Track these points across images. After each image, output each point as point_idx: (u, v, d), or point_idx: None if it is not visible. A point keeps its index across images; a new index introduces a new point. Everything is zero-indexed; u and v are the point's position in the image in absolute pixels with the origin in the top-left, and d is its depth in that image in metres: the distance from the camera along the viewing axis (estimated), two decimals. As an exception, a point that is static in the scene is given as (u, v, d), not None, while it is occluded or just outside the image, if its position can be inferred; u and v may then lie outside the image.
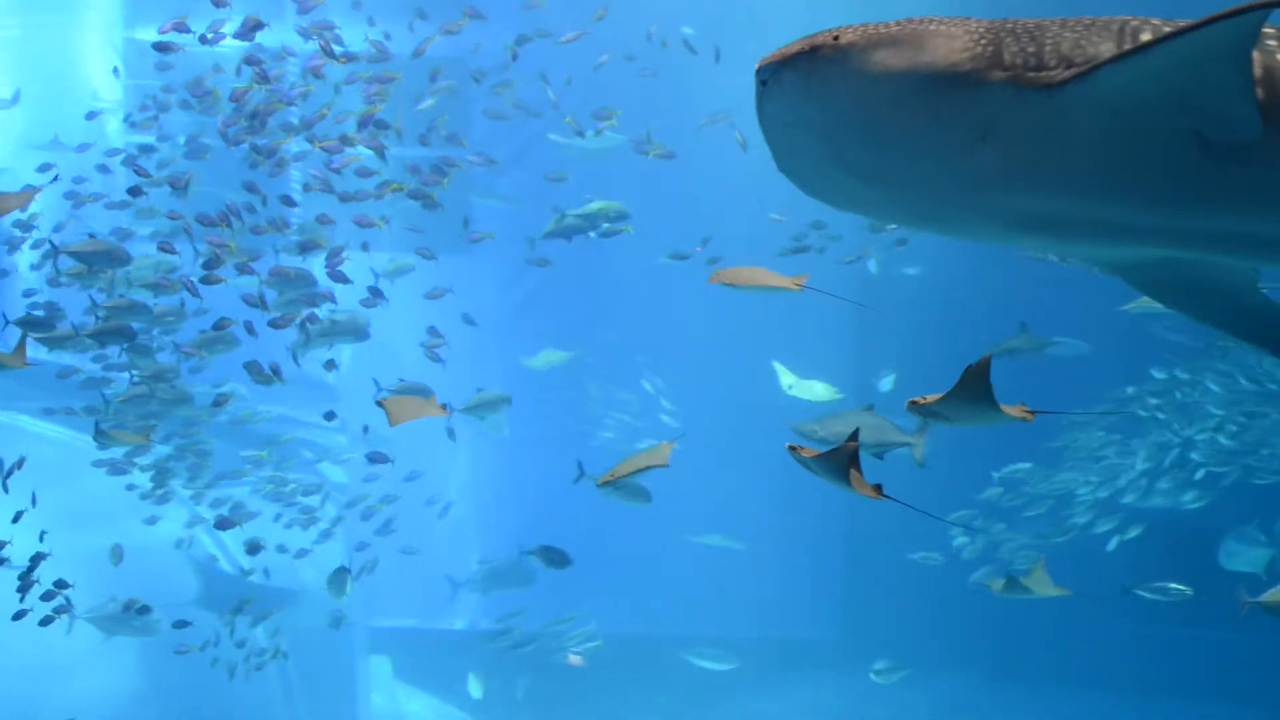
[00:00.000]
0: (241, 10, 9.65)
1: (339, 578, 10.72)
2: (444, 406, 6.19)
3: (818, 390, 11.32)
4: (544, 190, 11.96)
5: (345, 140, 9.53)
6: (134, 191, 9.17)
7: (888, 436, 7.61)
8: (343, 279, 9.37)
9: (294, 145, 9.83)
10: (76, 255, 8.74)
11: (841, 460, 3.95)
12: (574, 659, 13.56)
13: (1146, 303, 7.86)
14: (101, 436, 8.67)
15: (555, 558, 10.38)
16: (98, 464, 10.48)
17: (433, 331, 10.45)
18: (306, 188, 9.97)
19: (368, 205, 9.90)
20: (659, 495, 11.05)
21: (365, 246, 10.50)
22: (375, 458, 10.49)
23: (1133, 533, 12.73)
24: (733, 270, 5.90)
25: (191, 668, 10.71)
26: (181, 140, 10.99)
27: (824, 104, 3.66)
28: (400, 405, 6.17)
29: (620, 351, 16.61)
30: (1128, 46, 3.47)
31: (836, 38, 3.66)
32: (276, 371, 8.73)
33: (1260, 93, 3.39)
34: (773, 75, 3.75)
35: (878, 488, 4.01)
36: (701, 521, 14.61)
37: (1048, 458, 12.94)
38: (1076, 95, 3.44)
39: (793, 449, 4.07)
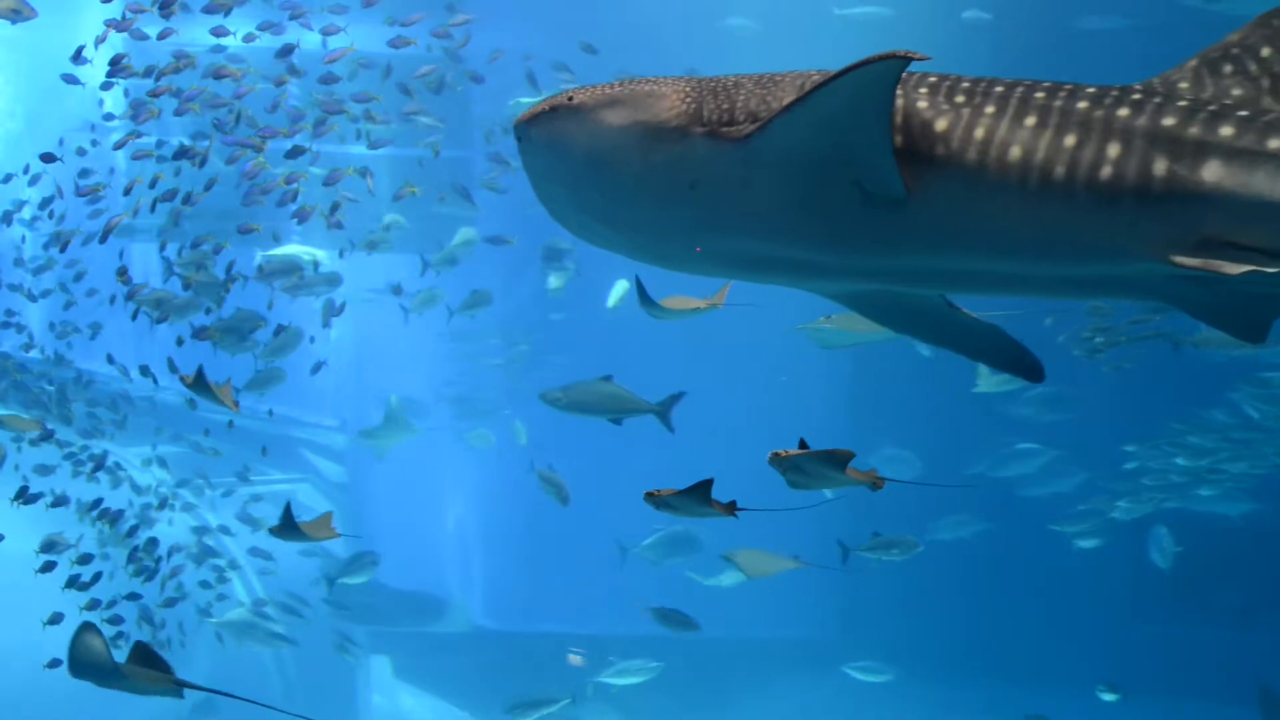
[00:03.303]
0: (242, 13, 9.66)
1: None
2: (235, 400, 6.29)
3: (995, 380, 11.25)
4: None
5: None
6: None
7: (626, 405, 8.16)
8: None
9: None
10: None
11: (698, 496, 4.49)
12: (574, 659, 13.57)
13: (837, 321, 8.04)
14: None
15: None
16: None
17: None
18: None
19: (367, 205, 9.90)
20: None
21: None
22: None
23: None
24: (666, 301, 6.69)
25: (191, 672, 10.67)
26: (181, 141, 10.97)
27: (563, 158, 4.02)
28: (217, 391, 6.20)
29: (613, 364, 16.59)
30: None
31: (571, 98, 4.01)
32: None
33: (899, 140, 3.63)
34: (523, 133, 4.10)
35: (732, 504, 4.60)
36: (700, 528, 14.49)
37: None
38: (756, 148, 3.74)
39: (649, 496, 4.48)
